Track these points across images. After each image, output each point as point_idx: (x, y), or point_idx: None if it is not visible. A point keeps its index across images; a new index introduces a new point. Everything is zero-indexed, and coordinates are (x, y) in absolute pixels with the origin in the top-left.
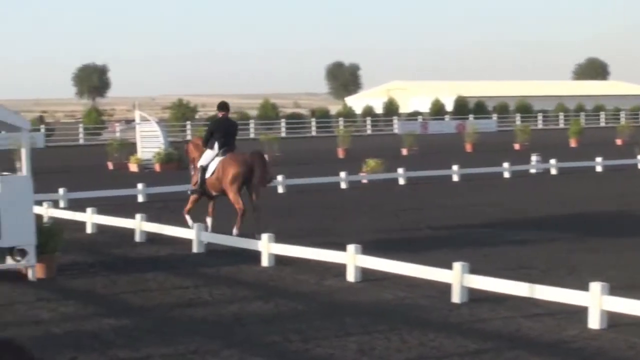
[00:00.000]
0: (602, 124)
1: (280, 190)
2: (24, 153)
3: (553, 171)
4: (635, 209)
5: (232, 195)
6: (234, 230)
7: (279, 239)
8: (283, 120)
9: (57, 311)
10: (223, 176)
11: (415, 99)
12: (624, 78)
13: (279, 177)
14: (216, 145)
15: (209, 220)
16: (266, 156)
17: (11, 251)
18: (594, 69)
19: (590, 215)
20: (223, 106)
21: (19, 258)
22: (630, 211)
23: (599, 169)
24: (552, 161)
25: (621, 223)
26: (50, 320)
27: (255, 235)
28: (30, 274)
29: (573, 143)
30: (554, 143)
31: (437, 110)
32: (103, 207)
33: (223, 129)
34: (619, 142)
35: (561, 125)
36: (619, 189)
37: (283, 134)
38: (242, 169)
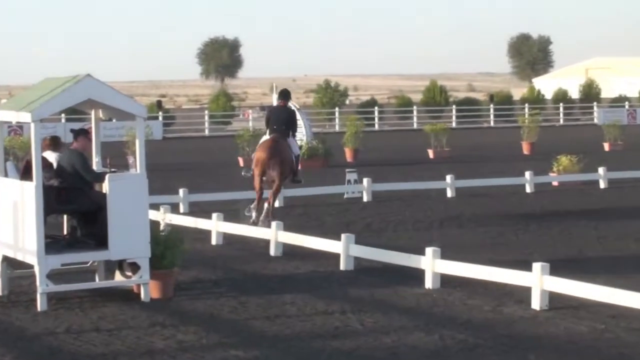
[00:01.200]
0: None
1: (449, 194)
2: (138, 146)
3: None
4: None
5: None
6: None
7: (446, 254)
8: (453, 106)
9: (174, 339)
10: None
11: (621, 80)
12: None
13: (448, 178)
14: (267, 133)
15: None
16: (285, 142)
17: (121, 265)
18: None
19: None
20: (281, 94)
21: (129, 273)
22: None
23: None
24: None
25: None
26: (166, 349)
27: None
28: (143, 293)
29: None
30: None
31: None
32: (232, 212)
33: (275, 117)
34: None
35: None
36: None
37: (453, 124)
38: (259, 154)
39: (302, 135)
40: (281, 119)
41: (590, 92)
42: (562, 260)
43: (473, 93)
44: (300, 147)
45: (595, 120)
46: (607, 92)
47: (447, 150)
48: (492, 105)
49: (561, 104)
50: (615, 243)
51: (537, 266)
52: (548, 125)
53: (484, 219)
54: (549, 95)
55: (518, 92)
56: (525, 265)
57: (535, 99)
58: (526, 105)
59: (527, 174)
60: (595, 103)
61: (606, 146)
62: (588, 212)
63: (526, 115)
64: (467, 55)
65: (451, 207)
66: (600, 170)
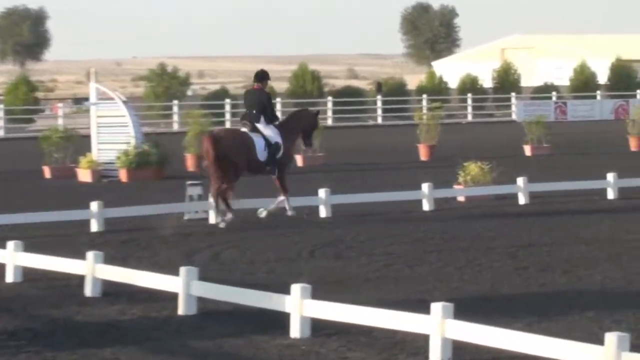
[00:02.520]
0: None
1: (323, 213)
2: None
3: None
4: None
5: None
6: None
7: (319, 293)
8: (329, 98)
9: None
10: None
11: (546, 63)
12: None
13: (322, 193)
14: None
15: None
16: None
17: None
18: None
19: None
20: (256, 76)
21: None
22: None
23: None
24: None
25: None
26: None
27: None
28: None
29: None
30: None
31: (583, 82)
32: (34, 240)
33: (246, 101)
34: None
35: None
36: None
37: (328, 121)
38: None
39: (128, 137)
40: (252, 105)
41: (507, 80)
42: (471, 298)
43: (355, 80)
44: (126, 154)
45: (514, 116)
46: (530, 79)
47: (321, 155)
48: (379, 97)
49: (469, 95)
50: (538, 276)
51: (437, 307)
52: (453, 123)
53: (369, 246)
54: (453, 83)
55: (414, 79)
56: (422, 306)
57: (436, 89)
58: (424, 96)
59: (425, 187)
60: (513, 94)
61: (527, 149)
62: (504, 236)
63: (424, 110)
64: (348, 31)
65: (326, 231)
66: (520, 181)
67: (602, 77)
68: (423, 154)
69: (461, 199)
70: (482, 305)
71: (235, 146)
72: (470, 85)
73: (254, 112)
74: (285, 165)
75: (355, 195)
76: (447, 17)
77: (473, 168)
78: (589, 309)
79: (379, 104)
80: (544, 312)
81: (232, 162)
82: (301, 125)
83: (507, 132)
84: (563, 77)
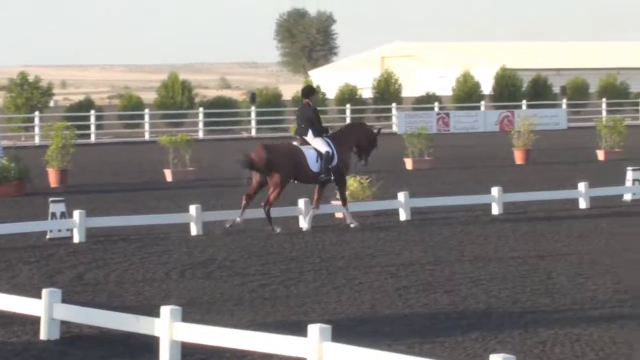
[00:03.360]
0: None
1: (194, 231)
2: None
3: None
4: None
5: None
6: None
7: (191, 315)
8: (200, 109)
9: None
10: None
11: (429, 72)
12: None
13: (192, 210)
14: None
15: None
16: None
17: None
18: None
19: None
20: (303, 92)
21: None
22: None
23: None
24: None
25: None
26: None
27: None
28: None
29: None
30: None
31: (467, 92)
32: None
33: (297, 117)
34: None
35: None
36: None
37: (200, 134)
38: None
39: None
40: (302, 120)
41: (387, 90)
42: (349, 319)
43: (228, 91)
44: None
45: (395, 128)
46: (411, 89)
47: (191, 170)
48: (254, 108)
49: (348, 106)
50: (419, 295)
51: (314, 329)
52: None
53: (242, 265)
54: (332, 93)
55: (290, 89)
56: (298, 328)
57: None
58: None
59: (301, 203)
60: (394, 104)
61: (409, 163)
62: (384, 254)
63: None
64: (221, 38)
65: (198, 250)
66: (400, 196)
67: (487, 87)
68: None
69: (339, 215)
70: (362, 327)
71: (285, 157)
72: (349, 95)
73: (303, 126)
74: (342, 174)
75: (229, 212)
76: (325, 24)
77: (352, 183)
78: (473, 329)
79: (253, 115)
80: (426, 334)
81: (282, 171)
82: (353, 137)
83: (387, 144)
84: (446, 87)
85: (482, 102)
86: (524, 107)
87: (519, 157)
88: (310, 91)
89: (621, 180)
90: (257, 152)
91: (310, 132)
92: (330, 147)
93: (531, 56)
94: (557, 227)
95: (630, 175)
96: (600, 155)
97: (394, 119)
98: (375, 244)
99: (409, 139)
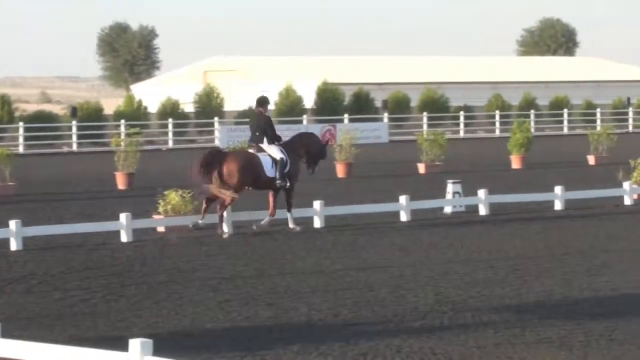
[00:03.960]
0: (565, 130)
1: (14, 246)
2: None
3: (482, 211)
4: None
5: None
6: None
7: (9, 330)
8: (20, 124)
9: None
10: None
11: (252, 86)
12: (600, 51)
13: (12, 225)
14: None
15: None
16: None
17: None
18: (552, 38)
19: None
20: (257, 101)
21: None
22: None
23: (558, 206)
24: (481, 194)
25: None
26: None
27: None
28: None
29: (515, 162)
30: (484, 162)
31: (289, 106)
32: None
33: (251, 125)
34: (591, 160)
35: (497, 133)
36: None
37: (20, 148)
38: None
39: None
40: (256, 126)
41: (209, 104)
42: (171, 333)
43: (49, 105)
44: None
45: (217, 142)
46: (234, 103)
47: (12, 185)
48: (74, 122)
49: (170, 120)
50: (241, 309)
51: (135, 344)
52: (153, 149)
53: (63, 280)
54: (154, 107)
55: (111, 103)
56: (120, 342)
57: (135, 113)
58: (122, 121)
59: (123, 217)
60: (216, 118)
61: None
62: (206, 268)
63: (122, 136)
64: (41, 52)
65: (17, 265)
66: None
67: (309, 101)
68: (121, 182)
69: (161, 229)
70: (184, 341)
71: (241, 165)
72: (171, 109)
73: (257, 134)
74: (293, 178)
75: (49, 227)
76: (147, 38)
77: (174, 197)
78: (295, 342)
79: (74, 129)
80: (248, 347)
81: (237, 179)
82: (302, 146)
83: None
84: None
85: (305, 116)
86: (346, 120)
87: (341, 171)
88: (264, 101)
89: (442, 193)
90: (226, 160)
91: (265, 140)
92: (284, 154)
93: (353, 70)
94: (379, 239)
95: (450, 187)
96: (421, 168)
97: (216, 133)
98: (197, 257)
99: None
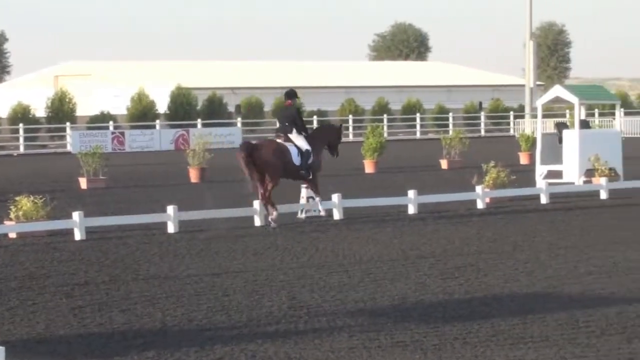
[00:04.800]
0: (418, 135)
1: None
2: None
3: (336, 215)
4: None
5: None
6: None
7: None
8: None
9: None
10: None
11: (105, 91)
12: (452, 56)
13: None
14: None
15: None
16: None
17: None
18: (405, 42)
19: None
20: (286, 94)
21: None
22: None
23: (411, 210)
24: (335, 199)
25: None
26: None
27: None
28: None
29: (369, 167)
30: (338, 166)
31: (142, 111)
32: None
33: (280, 116)
34: (444, 164)
35: (351, 138)
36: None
37: None
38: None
39: None
40: (282, 119)
41: (61, 109)
42: (24, 340)
43: None
44: None
45: (69, 147)
46: (87, 108)
47: None
48: None
49: (21, 125)
50: (95, 315)
51: None
52: (3, 155)
53: None
54: (4, 112)
55: None
56: None
57: None
58: None
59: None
60: (68, 123)
61: (83, 182)
62: (58, 274)
63: None
64: None
65: None
66: (75, 215)
67: (162, 106)
68: None
69: (13, 235)
70: (37, 348)
71: (273, 154)
72: (22, 114)
73: (286, 124)
74: (316, 169)
75: None
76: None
77: (25, 202)
78: (150, 348)
79: None
80: (102, 353)
81: (272, 167)
82: (326, 137)
83: (62, 164)
84: (121, 106)
85: (158, 121)
86: (199, 125)
87: (194, 176)
88: (292, 94)
89: (296, 198)
90: (259, 150)
91: (294, 130)
92: (309, 146)
93: (206, 75)
94: (233, 244)
95: (304, 192)
96: None
97: (68, 138)
98: (50, 264)
99: (83, 158)
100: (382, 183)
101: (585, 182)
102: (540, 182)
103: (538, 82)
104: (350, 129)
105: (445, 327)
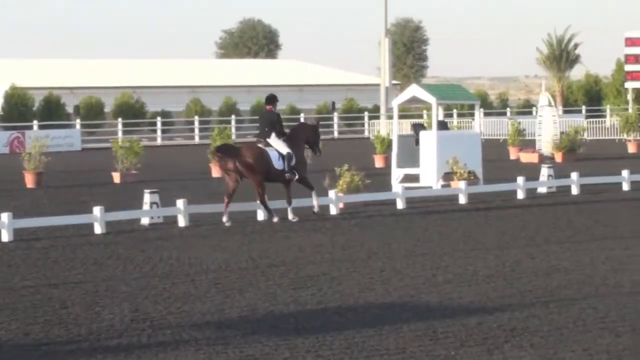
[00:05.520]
0: None
1: None
2: None
3: (181, 221)
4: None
5: None
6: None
7: None
8: None
9: None
10: None
11: None
12: (304, 54)
13: None
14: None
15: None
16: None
17: None
18: (253, 39)
19: None
20: (267, 99)
21: None
22: None
23: (260, 216)
24: (180, 204)
25: None
26: None
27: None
28: None
29: (215, 171)
30: (183, 170)
31: None
32: None
33: (261, 121)
34: None
35: (197, 140)
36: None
37: None
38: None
39: None
40: (265, 122)
41: None
42: None
43: None
44: None
45: None
46: None
47: None
48: None
49: None
50: None
51: None
52: None
53: None
54: None
55: None
56: None
57: None
58: None
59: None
60: None
61: None
62: None
63: None
64: None
65: None
66: None
67: None
68: None
69: None
70: None
71: (255, 159)
72: None
73: (266, 129)
74: (301, 168)
75: None
76: None
77: None
78: None
79: None
80: None
81: (254, 172)
82: (304, 135)
83: None
84: None
85: None
86: (35, 127)
87: (30, 181)
88: (272, 99)
89: (138, 204)
90: (240, 154)
91: (273, 134)
92: (288, 148)
93: (43, 74)
94: (72, 253)
95: (147, 198)
96: (117, 177)
97: None
98: None
99: None
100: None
101: (443, 186)
102: (397, 186)
103: (394, 82)
104: (197, 130)
105: (297, 339)
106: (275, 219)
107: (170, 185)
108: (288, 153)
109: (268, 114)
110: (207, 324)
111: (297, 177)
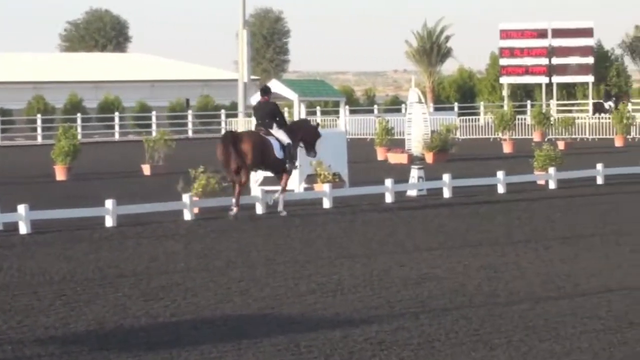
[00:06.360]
0: (117, 136)
1: None
2: None
3: (23, 229)
4: None
5: None
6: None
7: None
8: None
9: None
10: None
11: None
12: (155, 48)
13: None
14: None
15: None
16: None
17: None
18: (101, 31)
19: None
20: (262, 90)
21: None
22: None
23: (109, 222)
24: (21, 210)
25: None
26: None
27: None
28: None
29: (60, 173)
30: (25, 173)
31: None
32: None
33: (257, 112)
34: (146, 169)
35: (40, 140)
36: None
37: None
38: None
39: None
40: (264, 113)
41: None
42: None
43: None
44: None
45: None
46: None
47: None
48: None
49: None
50: None
51: None
52: None
53: None
54: None
55: None
56: None
57: None
58: None
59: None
60: None
61: None
62: None
63: None
64: None
65: None
66: None
67: None
68: None
69: None
70: None
71: (254, 146)
72: None
73: (267, 120)
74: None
75: None
76: None
77: None
78: None
79: None
80: None
81: (251, 159)
82: (301, 131)
83: None
84: None
85: None
86: None
87: None
88: (267, 90)
89: None
90: (241, 139)
91: (275, 125)
92: (290, 140)
93: None
94: None
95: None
96: None
97: None
98: None
99: None
100: (76, 192)
101: (306, 189)
102: (256, 190)
103: (253, 77)
104: (39, 130)
105: (148, 354)
106: (233, 211)
107: (11, 190)
108: (289, 144)
109: (265, 104)
110: (51, 339)
111: (296, 167)
